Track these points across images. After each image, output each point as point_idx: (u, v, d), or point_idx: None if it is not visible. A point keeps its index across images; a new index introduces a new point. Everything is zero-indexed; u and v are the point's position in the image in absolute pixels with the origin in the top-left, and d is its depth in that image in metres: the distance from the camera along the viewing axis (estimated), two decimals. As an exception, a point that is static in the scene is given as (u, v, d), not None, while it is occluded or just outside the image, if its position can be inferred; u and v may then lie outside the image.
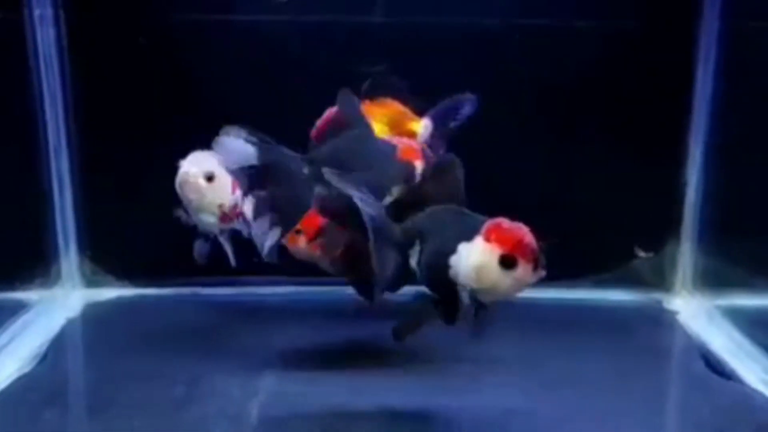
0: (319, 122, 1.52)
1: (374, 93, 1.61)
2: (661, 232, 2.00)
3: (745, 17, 1.89)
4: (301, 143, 1.62)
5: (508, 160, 1.92)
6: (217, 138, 1.27)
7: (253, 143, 1.26)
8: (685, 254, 2.00)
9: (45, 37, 1.90)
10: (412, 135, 1.60)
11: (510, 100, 1.93)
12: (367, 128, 1.37)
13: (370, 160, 1.34)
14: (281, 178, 1.28)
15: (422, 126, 1.62)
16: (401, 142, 1.45)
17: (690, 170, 1.97)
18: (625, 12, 1.93)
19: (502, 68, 1.92)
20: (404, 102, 1.64)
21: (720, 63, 1.91)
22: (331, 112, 1.54)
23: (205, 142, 1.67)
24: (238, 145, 1.26)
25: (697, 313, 1.92)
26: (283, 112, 1.79)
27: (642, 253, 1.98)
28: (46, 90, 1.92)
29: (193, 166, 1.62)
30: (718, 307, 1.92)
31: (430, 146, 1.60)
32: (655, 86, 1.93)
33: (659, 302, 1.98)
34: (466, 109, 1.63)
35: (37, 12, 1.88)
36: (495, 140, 1.93)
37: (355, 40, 1.89)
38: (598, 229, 1.94)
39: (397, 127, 1.60)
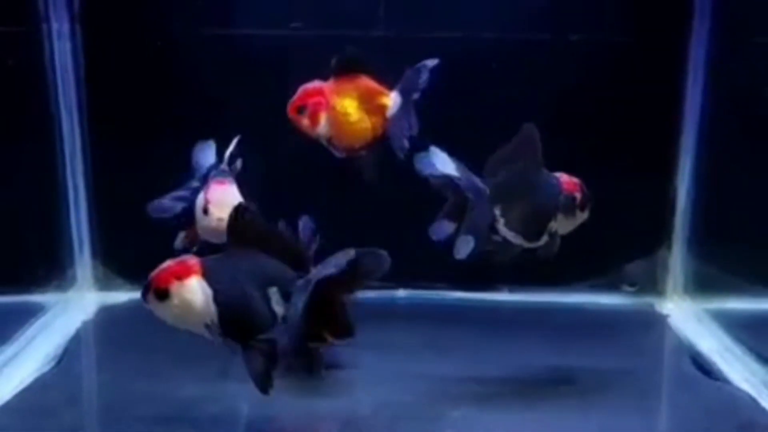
0: (294, 98, 1.62)
1: (343, 69, 1.62)
2: (653, 238, 2.04)
3: (735, 32, 1.93)
4: (300, 149, 1.69)
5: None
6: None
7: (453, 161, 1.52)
8: (676, 259, 2.03)
9: (62, 49, 1.94)
10: (382, 109, 1.62)
11: (505, 112, 1.97)
12: (539, 162, 1.55)
13: (540, 189, 1.56)
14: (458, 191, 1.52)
15: (391, 100, 1.63)
16: (562, 177, 1.60)
17: (680, 178, 2.00)
18: (617, 26, 1.97)
19: (496, 81, 1.96)
20: (373, 77, 1.64)
21: (709, 75, 1.95)
22: (304, 88, 1.62)
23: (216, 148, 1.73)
24: (444, 158, 1.52)
25: (688, 316, 1.95)
26: (286, 123, 1.85)
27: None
28: (62, 99, 1.96)
29: (226, 212, 1.48)
30: (708, 311, 1.95)
31: (400, 119, 1.63)
32: (647, 97, 1.97)
33: (651, 306, 2.02)
34: (427, 77, 1.63)
35: (55, 26, 1.92)
36: (489, 151, 1.98)
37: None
38: (592, 235, 1.96)
39: (368, 102, 1.62)
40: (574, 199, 1.59)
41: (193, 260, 1.37)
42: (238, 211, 1.34)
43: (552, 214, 1.57)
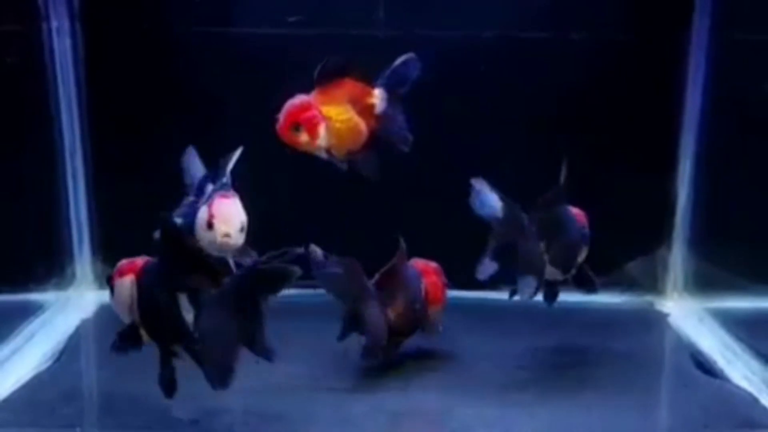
0: (284, 118, 1.59)
1: (326, 78, 1.62)
2: (653, 236, 2.04)
3: (735, 29, 1.93)
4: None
5: (505, 168, 1.98)
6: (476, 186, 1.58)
7: (501, 200, 1.56)
8: (676, 258, 2.04)
9: (62, 47, 1.95)
10: (370, 107, 1.64)
11: (506, 111, 1.97)
12: (564, 198, 1.63)
13: (570, 223, 1.65)
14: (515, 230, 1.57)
15: (376, 97, 1.65)
16: (573, 210, 1.67)
17: (681, 178, 2.01)
18: (618, 25, 1.98)
19: (498, 80, 1.97)
20: (356, 77, 1.65)
21: (709, 73, 1.95)
22: (291, 106, 1.59)
23: (213, 144, 1.72)
24: (492, 199, 1.56)
25: (687, 315, 1.96)
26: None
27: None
28: (62, 97, 1.97)
29: (232, 227, 1.53)
30: (708, 309, 1.96)
31: (387, 113, 1.64)
32: (647, 95, 1.97)
33: (651, 304, 2.02)
34: (413, 72, 1.66)
35: (54, 24, 1.93)
36: (492, 150, 1.99)
37: (355, 52, 1.93)
38: (592, 233, 1.97)
39: (357, 103, 1.63)
40: (588, 232, 1.68)
41: (140, 261, 1.42)
42: (165, 223, 1.37)
43: (580, 247, 1.66)
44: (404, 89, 1.66)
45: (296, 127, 1.59)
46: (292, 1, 1.96)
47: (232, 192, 1.57)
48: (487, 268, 1.59)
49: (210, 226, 1.52)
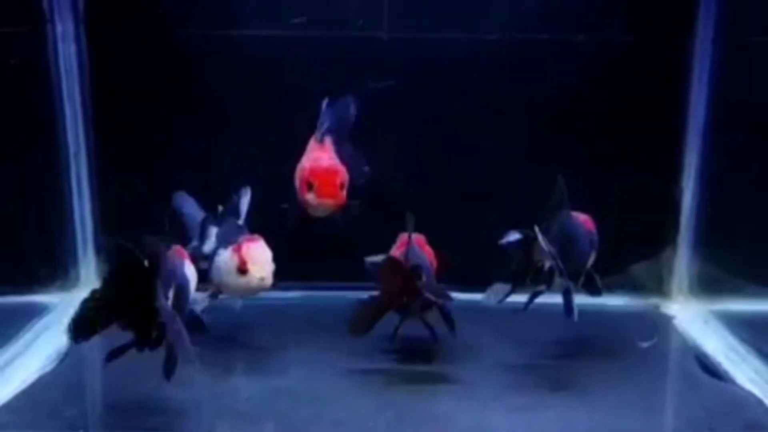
0: (324, 184, 1.64)
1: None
2: (658, 239, 2.04)
3: (739, 31, 1.94)
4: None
5: (508, 171, 1.98)
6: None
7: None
8: (682, 261, 2.04)
9: (66, 50, 1.95)
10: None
11: (509, 113, 1.98)
12: (569, 208, 1.68)
13: (580, 232, 1.70)
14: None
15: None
16: (580, 216, 1.71)
17: (685, 179, 2.01)
18: (623, 27, 1.98)
19: (500, 82, 1.96)
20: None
21: (714, 76, 1.95)
22: (324, 169, 1.64)
23: (217, 147, 1.71)
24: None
25: (693, 318, 1.96)
26: (289, 124, 1.86)
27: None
28: (66, 100, 1.97)
29: (266, 271, 1.59)
30: (713, 312, 1.96)
31: (339, 156, 1.69)
32: (652, 97, 1.97)
33: (657, 307, 2.02)
34: (350, 112, 1.72)
35: (59, 28, 1.94)
36: (495, 152, 1.98)
37: (359, 54, 1.94)
38: (599, 238, 1.98)
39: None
40: (596, 236, 1.72)
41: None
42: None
43: (589, 254, 1.70)
44: (347, 129, 1.71)
45: (342, 185, 1.64)
46: (295, 3, 1.96)
47: (256, 235, 1.60)
48: (498, 292, 1.64)
49: (243, 272, 1.55)
